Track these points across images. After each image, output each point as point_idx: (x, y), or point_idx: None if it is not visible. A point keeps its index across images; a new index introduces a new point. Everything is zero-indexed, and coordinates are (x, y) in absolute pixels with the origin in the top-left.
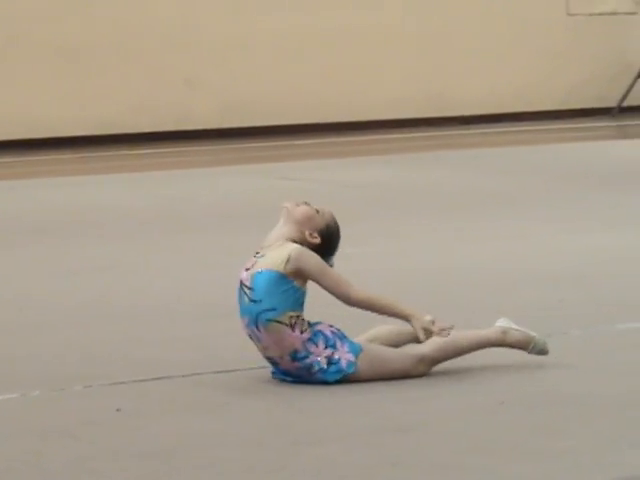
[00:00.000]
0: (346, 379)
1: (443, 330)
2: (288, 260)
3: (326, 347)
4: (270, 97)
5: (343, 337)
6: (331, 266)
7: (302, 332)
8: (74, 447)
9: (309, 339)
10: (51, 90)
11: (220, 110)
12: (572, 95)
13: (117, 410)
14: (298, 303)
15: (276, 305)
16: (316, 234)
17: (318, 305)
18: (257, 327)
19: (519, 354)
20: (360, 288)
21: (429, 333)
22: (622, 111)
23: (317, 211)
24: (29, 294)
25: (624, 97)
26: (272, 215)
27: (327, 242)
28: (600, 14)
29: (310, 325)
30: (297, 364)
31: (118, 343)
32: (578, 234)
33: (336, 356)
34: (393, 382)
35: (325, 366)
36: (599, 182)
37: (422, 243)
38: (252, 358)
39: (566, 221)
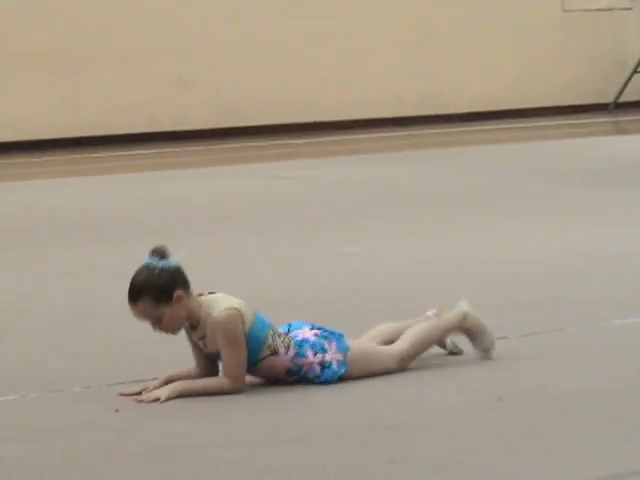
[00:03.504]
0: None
1: None
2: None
3: (315, 354)
4: (262, 98)
5: (329, 335)
6: None
7: (287, 351)
8: (72, 448)
9: (296, 354)
10: (45, 93)
11: (214, 111)
12: (569, 91)
13: (116, 411)
14: (265, 333)
15: (252, 353)
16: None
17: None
18: (249, 370)
19: (511, 353)
20: None
21: None
22: (618, 107)
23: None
24: (24, 297)
25: (620, 93)
26: (268, 214)
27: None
28: (596, 10)
29: (291, 337)
30: (293, 377)
31: (112, 344)
32: (574, 231)
33: (327, 358)
34: (380, 380)
35: (319, 372)
36: (597, 178)
37: (415, 240)
38: None
39: (560, 217)
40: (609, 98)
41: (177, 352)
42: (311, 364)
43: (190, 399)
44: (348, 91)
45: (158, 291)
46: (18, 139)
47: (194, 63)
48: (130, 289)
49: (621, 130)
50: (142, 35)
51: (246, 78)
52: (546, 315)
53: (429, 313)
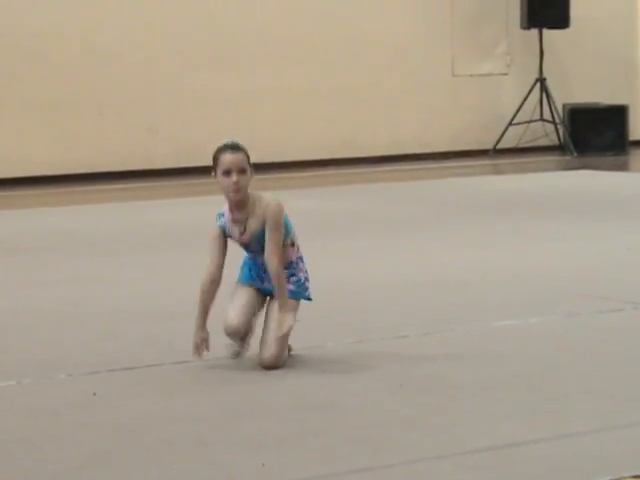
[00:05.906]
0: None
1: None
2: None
3: (305, 272)
4: (213, 142)
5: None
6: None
7: (298, 250)
8: (60, 423)
9: (299, 258)
10: (40, 137)
11: (175, 153)
12: (458, 139)
13: (93, 394)
14: (291, 227)
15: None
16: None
17: None
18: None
19: (411, 348)
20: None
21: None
22: (497, 152)
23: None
24: (21, 301)
25: (498, 141)
26: None
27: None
28: (479, 75)
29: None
30: (288, 272)
31: (94, 339)
32: (462, 250)
33: (307, 285)
34: (311, 369)
35: (294, 288)
36: (479, 209)
37: (339, 260)
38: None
39: (453, 240)
40: (489, 145)
41: (143, 347)
42: (301, 271)
43: (156, 384)
44: (284, 137)
45: (247, 154)
46: (17, 175)
47: (159, 114)
48: (234, 143)
49: (499, 171)
50: (119, 91)
51: (201, 126)
52: (439, 318)
53: None
